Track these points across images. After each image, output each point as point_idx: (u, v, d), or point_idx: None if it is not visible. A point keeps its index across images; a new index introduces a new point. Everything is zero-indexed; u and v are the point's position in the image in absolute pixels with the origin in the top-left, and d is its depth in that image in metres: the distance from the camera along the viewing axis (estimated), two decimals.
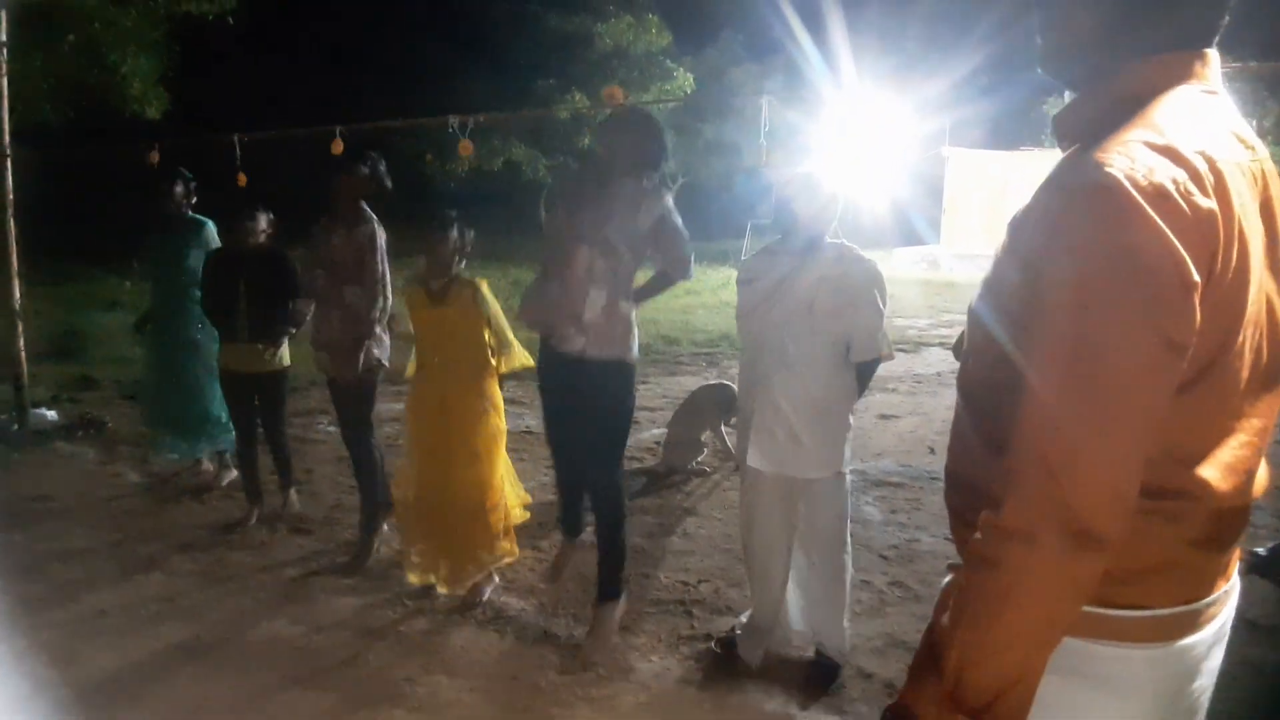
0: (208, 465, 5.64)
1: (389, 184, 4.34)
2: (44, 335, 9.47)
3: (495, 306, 3.93)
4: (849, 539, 3.27)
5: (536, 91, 16.93)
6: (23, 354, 6.74)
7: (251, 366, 4.72)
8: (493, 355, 3.97)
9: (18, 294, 6.71)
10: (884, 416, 7.12)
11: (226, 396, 5.03)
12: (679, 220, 3.41)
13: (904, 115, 17.59)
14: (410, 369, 4.12)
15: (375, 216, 4.29)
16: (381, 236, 4.24)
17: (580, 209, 3.40)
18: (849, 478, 3.23)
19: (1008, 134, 19.34)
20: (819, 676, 3.28)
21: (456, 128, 4.86)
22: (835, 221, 3.14)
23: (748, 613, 3.49)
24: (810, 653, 3.38)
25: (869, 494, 5.32)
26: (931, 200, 19.42)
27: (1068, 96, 1.30)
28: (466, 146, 5.00)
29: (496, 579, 4.10)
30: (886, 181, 18.98)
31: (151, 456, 5.80)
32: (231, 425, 5.15)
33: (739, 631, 3.44)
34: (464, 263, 3.96)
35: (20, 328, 6.73)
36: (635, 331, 3.45)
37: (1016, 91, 18.32)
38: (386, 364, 4.37)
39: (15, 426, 6.61)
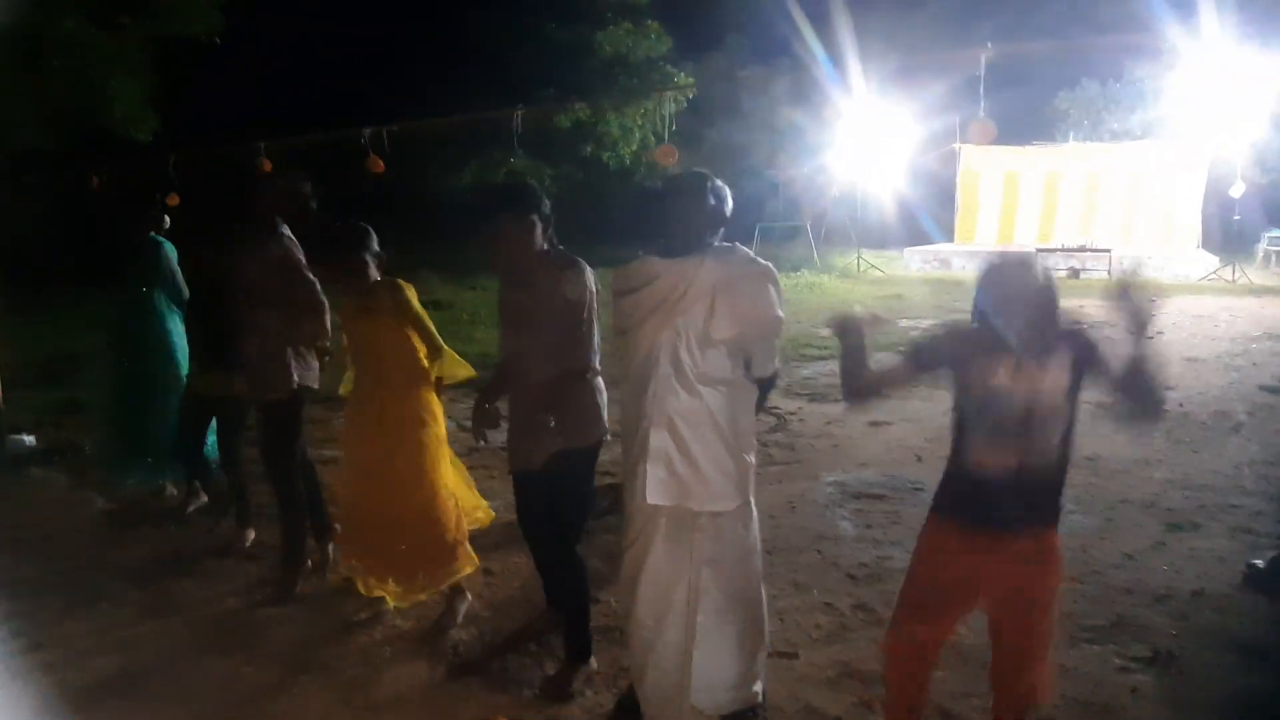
0: (173, 491, 5.54)
1: (313, 205, 4.20)
2: (34, 359, 9.48)
3: (418, 309, 3.77)
4: (760, 578, 2.96)
5: (537, 101, 16.80)
6: None
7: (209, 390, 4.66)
8: (425, 360, 3.82)
9: None
10: (873, 423, 6.88)
11: (185, 419, 4.96)
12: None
13: (912, 113, 17.37)
14: (346, 386, 4.01)
15: (290, 234, 4.16)
16: (298, 253, 4.11)
17: (510, 313, 3.33)
18: (755, 508, 2.94)
19: (1020, 129, 18.96)
20: None
21: (368, 139, 4.71)
22: (723, 228, 2.90)
23: (635, 687, 2.98)
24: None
25: (845, 507, 5.09)
26: (939, 199, 19.10)
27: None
28: (376, 163, 4.85)
29: (469, 596, 3.97)
30: (894, 181, 18.74)
31: (108, 482, 5.67)
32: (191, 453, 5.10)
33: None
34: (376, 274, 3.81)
35: None
36: (603, 405, 3.29)
37: (1028, 87, 17.94)
38: (314, 387, 4.23)
39: None
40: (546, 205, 3.25)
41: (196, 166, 5.88)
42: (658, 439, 2.78)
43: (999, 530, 2.44)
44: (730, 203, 2.89)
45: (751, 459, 2.88)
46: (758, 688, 2.99)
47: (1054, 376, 2.39)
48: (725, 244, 2.90)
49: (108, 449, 5.56)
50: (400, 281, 3.76)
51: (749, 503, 2.90)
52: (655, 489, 2.78)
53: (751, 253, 2.89)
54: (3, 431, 6.67)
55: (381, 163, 4.95)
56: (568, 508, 3.33)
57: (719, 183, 2.88)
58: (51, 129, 9.82)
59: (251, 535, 4.85)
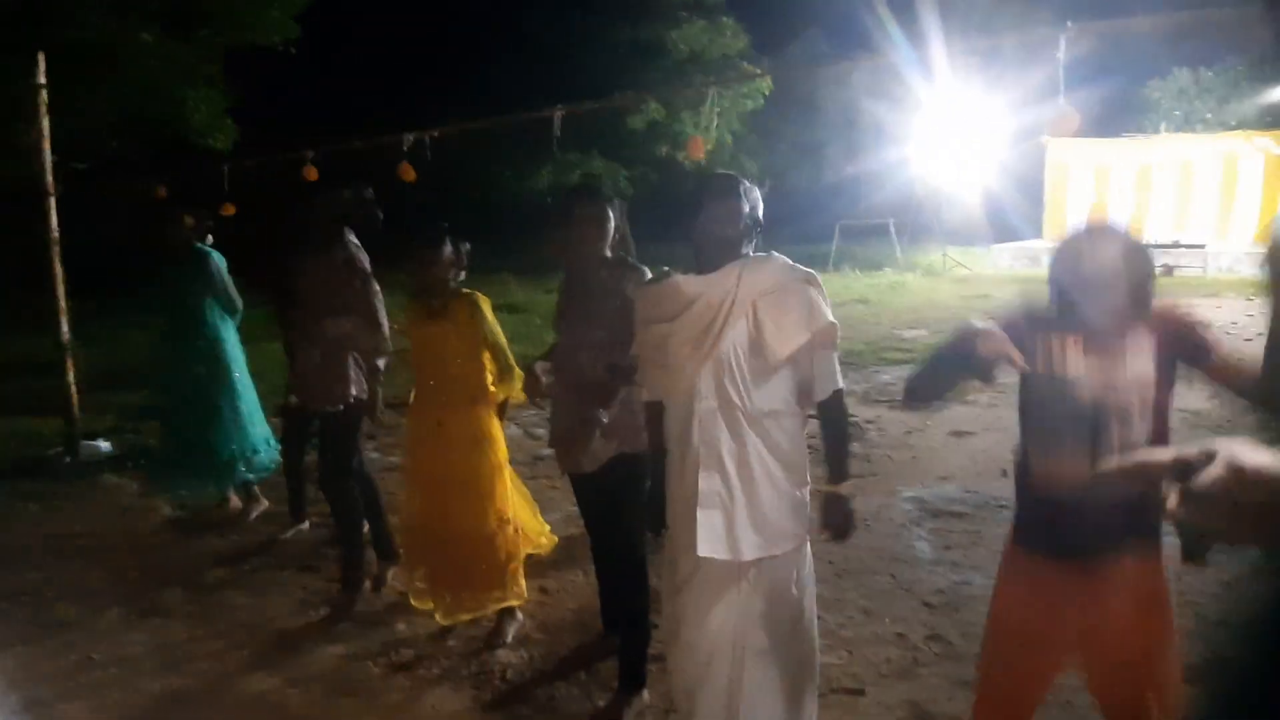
0: (235, 501, 5.54)
1: (379, 214, 4.11)
2: (117, 362, 9.71)
3: (495, 326, 3.69)
4: (814, 621, 2.63)
5: (605, 101, 16.74)
6: (73, 387, 6.80)
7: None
8: (493, 382, 3.71)
9: (65, 329, 6.79)
10: (956, 433, 6.50)
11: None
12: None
13: (998, 105, 16.70)
14: (414, 393, 3.90)
15: (355, 241, 4.07)
16: (364, 261, 4.02)
17: (568, 311, 3.33)
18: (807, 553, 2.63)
19: (1109, 120, 18.07)
20: None
21: (411, 145, 4.58)
22: (758, 235, 2.56)
23: None
24: None
25: (924, 526, 4.77)
26: (1027, 193, 18.30)
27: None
28: (408, 170, 4.71)
29: (520, 617, 3.83)
30: (980, 175, 18.05)
31: (165, 493, 5.70)
32: (244, 462, 5.19)
33: None
34: (461, 276, 3.72)
35: (69, 362, 6.79)
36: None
37: (1116, 76, 17.08)
38: (364, 398, 4.13)
39: (66, 459, 6.68)
40: (618, 213, 3.26)
41: (262, 175, 5.85)
42: (708, 482, 2.46)
43: (1080, 561, 2.00)
44: (762, 206, 2.55)
45: (805, 494, 2.57)
46: None
47: (1136, 362, 1.96)
48: (760, 254, 2.55)
49: (165, 459, 5.58)
50: (479, 296, 3.66)
51: (804, 541, 2.59)
52: (709, 540, 2.45)
53: (790, 260, 2.56)
54: (77, 438, 6.80)
55: (413, 170, 4.80)
56: (625, 514, 3.19)
57: (749, 184, 2.55)
58: (132, 138, 10.11)
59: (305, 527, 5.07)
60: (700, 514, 2.45)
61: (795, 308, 2.44)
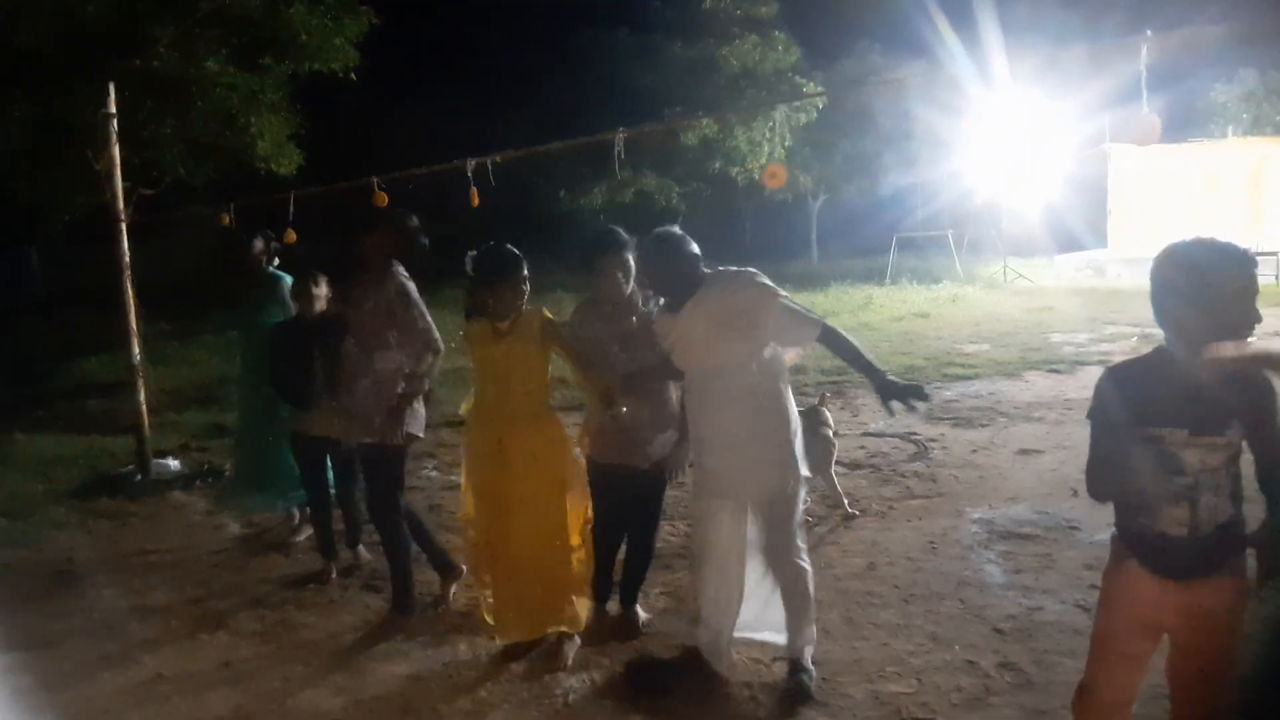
0: (298, 518, 5.62)
1: (424, 241, 4.16)
2: (189, 382, 9.96)
3: (566, 333, 3.76)
4: (802, 544, 3.35)
5: (663, 121, 16.78)
6: (144, 407, 6.97)
7: (330, 431, 4.59)
8: (581, 380, 3.79)
9: (137, 350, 6.97)
10: (1024, 451, 6.33)
11: (299, 459, 4.96)
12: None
13: (1059, 113, 16.35)
14: (465, 408, 3.97)
15: (404, 272, 4.11)
16: (413, 289, 4.06)
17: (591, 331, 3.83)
18: (802, 493, 3.36)
19: (1175, 126, 17.58)
20: (792, 694, 3.26)
21: (472, 172, 4.64)
22: (701, 268, 3.30)
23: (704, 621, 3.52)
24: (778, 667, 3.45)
25: (993, 549, 4.62)
26: (1090, 202, 17.87)
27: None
28: (474, 196, 4.78)
29: (579, 639, 3.82)
30: (1041, 185, 17.66)
31: (234, 508, 5.83)
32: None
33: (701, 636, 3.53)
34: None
35: (141, 382, 6.98)
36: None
37: (1181, 81, 16.61)
38: (420, 435, 4.18)
39: (137, 477, 6.85)
40: (634, 253, 3.67)
41: (326, 202, 5.98)
42: (709, 433, 3.31)
43: (1178, 578, 2.28)
44: (690, 240, 3.31)
45: (792, 438, 3.29)
46: (804, 655, 3.35)
47: (1228, 441, 2.20)
48: (707, 271, 3.30)
49: (238, 477, 5.70)
50: (544, 309, 3.75)
51: (799, 481, 3.28)
52: (705, 485, 3.39)
53: (732, 267, 3.31)
54: (148, 456, 6.97)
55: (477, 196, 4.87)
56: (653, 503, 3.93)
57: (673, 232, 3.34)
58: (201, 165, 10.40)
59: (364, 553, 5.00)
60: (696, 457, 3.43)
61: (740, 302, 3.19)
